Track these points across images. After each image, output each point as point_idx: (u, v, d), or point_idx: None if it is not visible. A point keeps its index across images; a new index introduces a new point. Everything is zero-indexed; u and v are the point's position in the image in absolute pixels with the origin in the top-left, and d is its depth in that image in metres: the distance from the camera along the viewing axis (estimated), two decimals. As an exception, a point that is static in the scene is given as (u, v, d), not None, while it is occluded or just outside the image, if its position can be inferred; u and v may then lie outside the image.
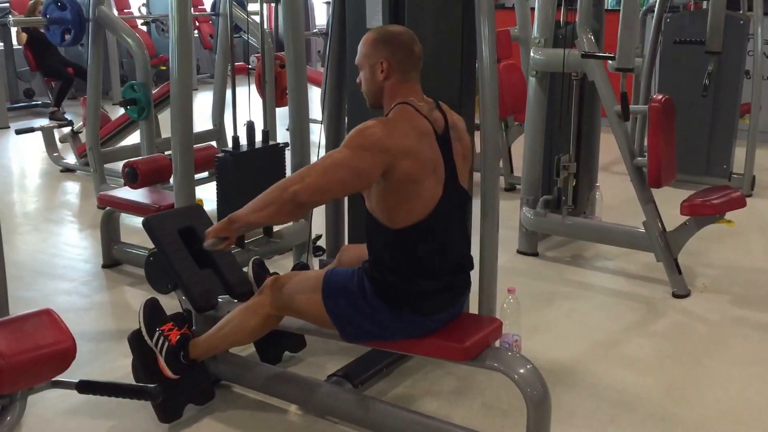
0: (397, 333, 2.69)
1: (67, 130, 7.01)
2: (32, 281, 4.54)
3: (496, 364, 2.62)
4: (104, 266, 4.72)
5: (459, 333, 2.67)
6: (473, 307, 3.36)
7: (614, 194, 5.79)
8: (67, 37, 5.83)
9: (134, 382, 3.00)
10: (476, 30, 3.18)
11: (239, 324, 2.91)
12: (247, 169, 3.92)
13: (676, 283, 4.33)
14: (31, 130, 6.83)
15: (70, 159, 7.08)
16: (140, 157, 4.97)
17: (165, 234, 3.25)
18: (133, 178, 4.45)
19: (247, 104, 4.12)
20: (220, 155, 3.91)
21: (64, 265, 4.82)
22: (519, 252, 4.96)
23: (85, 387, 2.46)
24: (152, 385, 2.52)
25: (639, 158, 4.49)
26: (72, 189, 6.74)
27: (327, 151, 3.85)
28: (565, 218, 4.75)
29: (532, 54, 4.77)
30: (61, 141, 7.11)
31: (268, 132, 4.06)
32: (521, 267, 4.76)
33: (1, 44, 9.92)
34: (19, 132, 6.72)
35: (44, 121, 7.70)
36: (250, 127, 3.96)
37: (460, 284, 2.76)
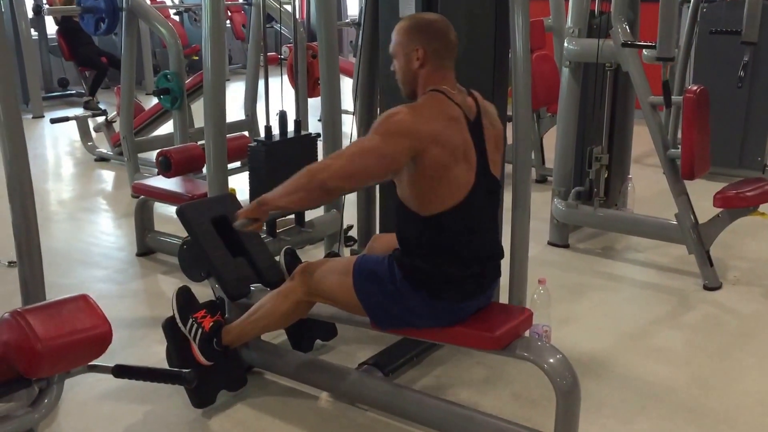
0: (426, 320, 2.68)
1: (101, 119, 7.08)
2: (68, 268, 4.60)
3: (527, 354, 2.62)
4: (138, 254, 4.78)
5: (490, 322, 2.67)
6: (503, 298, 3.36)
7: (646, 186, 5.75)
8: (101, 26, 5.88)
9: (168, 367, 3.05)
10: (509, 20, 3.17)
11: (270, 309, 2.93)
12: (280, 158, 3.93)
13: (708, 275, 4.29)
14: (66, 119, 6.89)
15: (105, 148, 7.15)
16: (174, 146, 5.01)
17: (199, 222, 3.28)
18: (166, 166, 4.49)
19: (279, 94, 4.13)
20: (252, 145, 3.93)
21: (99, 253, 4.88)
22: (550, 243, 4.94)
23: (121, 371, 2.50)
24: (187, 370, 2.55)
25: (672, 150, 4.46)
26: (106, 178, 6.82)
27: (359, 141, 3.86)
28: (597, 210, 4.73)
29: (565, 44, 4.74)
30: (95, 130, 7.19)
31: (300, 122, 4.07)
32: (552, 258, 4.75)
33: (35, 33, 10.00)
34: (53, 121, 6.79)
35: (79, 111, 7.77)
36: (283, 117, 3.97)
37: (490, 272, 2.75)
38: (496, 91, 3.36)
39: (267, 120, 4.01)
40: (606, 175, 4.83)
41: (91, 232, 5.35)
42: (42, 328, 2.25)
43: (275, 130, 4.01)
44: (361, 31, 3.75)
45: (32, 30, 9.58)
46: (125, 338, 3.68)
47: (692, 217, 4.36)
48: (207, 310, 3.08)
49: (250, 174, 3.96)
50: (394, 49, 2.68)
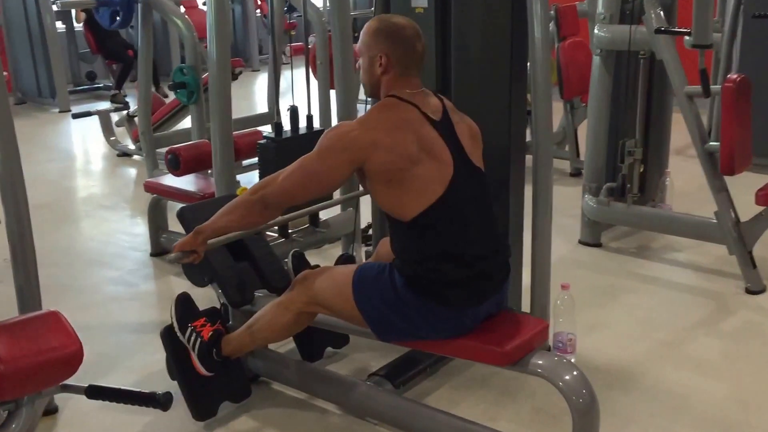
0: (430, 329, 2.53)
1: (124, 113, 6.99)
2: (81, 270, 4.52)
3: (540, 370, 2.43)
4: (152, 255, 4.66)
5: (500, 334, 2.49)
6: (525, 304, 3.17)
7: (687, 180, 5.47)
8: (117, 19, 5.77)
9: (168, 377, 3.00)
10: (527, 7, 2.98)
11: (270, 321, 2.81)
12: (290, 155, 3.73)
13: (750, 277, 4.05)
14: (88, 114, 6.83)
15: (128, 143, 7.05)
16: (183, 143, 4.87)
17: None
18: (175, 165, 4.34)
19: (295, 88, 3.98)
20: (261, 141, 3.78)
21: (113, 253, 4.78)
22: (581, 242, 4.72)
23: (95, 392, 2.40)
24: (161, 392, 2.43)
25: (711, 143, 4.20)
26: (127, 174, 6.73)
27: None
28: (630, 207, 4.49)
29: (596, 31, 4.54)
30: (117, 125, 7.12)
31: (312, 117, 3.90)
32: (582, 258, 4.54)
33: (63, 26, 9.95)
34: (75, 116, 6.73)
35: (105, 105, 7.71)
36: (294, 112, 3.82)
37: (496, 271, 2.59)
38: (514, 83, 3.16)
39: (277, 115, 3.85)
40: (641, 170, 4.57)
41: (107, 231, 5.24)
42: (5, 347, 2.12)
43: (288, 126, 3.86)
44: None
45: (59, 23, 9.52)
46: (131, 343, 3.60)
47: (733, 214, 4.12)
48: (207, 319, 2.97)
49: (260, 172, 3.81)
50: (360, 48, 2.65)
